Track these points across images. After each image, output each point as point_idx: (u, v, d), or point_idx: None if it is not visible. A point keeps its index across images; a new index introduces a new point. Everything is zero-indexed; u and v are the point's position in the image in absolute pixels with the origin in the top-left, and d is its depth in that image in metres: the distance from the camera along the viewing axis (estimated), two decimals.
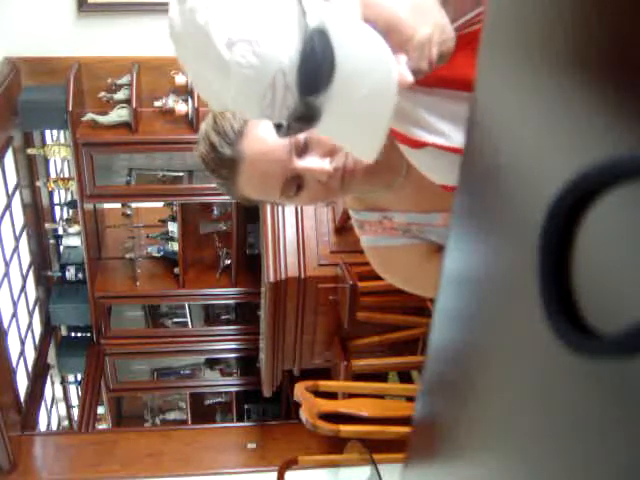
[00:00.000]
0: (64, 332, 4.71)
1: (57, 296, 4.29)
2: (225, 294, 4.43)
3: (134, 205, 4.37)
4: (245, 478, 3.63)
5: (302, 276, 3.16)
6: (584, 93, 0.34)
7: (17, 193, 3.85)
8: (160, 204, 4.32)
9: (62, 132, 3.94)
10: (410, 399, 3.01)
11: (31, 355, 4.20)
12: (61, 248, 4.40)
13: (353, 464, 3.00)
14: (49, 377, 4.55)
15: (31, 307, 4.20)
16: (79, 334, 4.60)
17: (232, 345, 4.69)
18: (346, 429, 2.63)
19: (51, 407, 4.74)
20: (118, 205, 4.38)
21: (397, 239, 1.15)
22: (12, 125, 3.60)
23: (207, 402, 5.48)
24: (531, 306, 0.35)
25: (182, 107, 3.68)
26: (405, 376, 4.19)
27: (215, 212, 4.45)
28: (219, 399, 5.47)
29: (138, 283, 4.27)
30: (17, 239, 3.91)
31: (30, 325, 4.17)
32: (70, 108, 3.45)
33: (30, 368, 4.14)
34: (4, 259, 3.72)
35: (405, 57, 0.77)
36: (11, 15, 3.51)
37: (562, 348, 0.31)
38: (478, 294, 0.50)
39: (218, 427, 4.67)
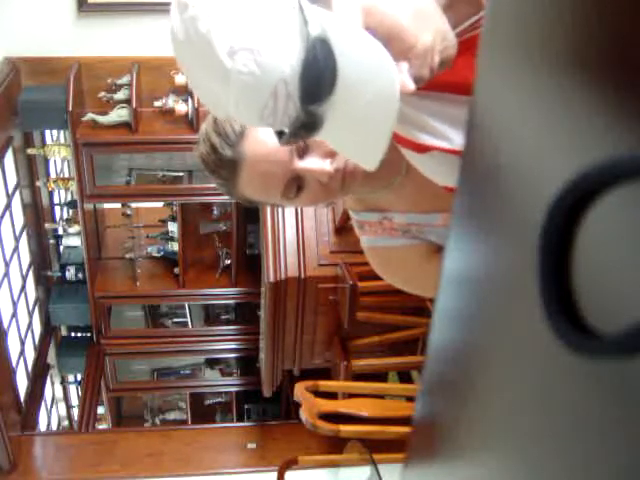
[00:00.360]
0: (64, 332, 4.71)
1: (57, 296, 4.29)
2: (225, 294, 4.43)
3: (134, 205, 4.38)
4: (245, 478, 3.63)
5: (302, 276, 3.16)
6: (584, 93, 0.34)
7: (17, 193, 3.86)
8: (160, 204, 4.33)
9: (62, 132, 3.94)
10: (410, 399, 3.01)
11: (31, 355, 4.20)
12: (61, 248, 4.40)
13: (353, 464, 3.00)
14: (49, 377, 4.55)
15: (31, 307, 4.20)
16: (79, 334, 4.61)
17: (232, 345, 4.69)
18: (346, 429, 2.63)
19: (51, 407, 4.74)
20: (118, 205, 4.39)
21: (397, 239, 1.15)
22: (12, 125, 3.61)
23: (207, 402, 5.48)
24: (531, 306, 0.35)
25: (182, 107, 3.68)
26: (405, 376, 4.19)
27: (215, 212, 4.45)
28: (219, 399, 5.47)
29: (138, 283, 4.28)
30: (17, 239, 3.91)
31: (30, 325, 4.17)
32: (70, 108, 3.46)
33: (30, 368, 4.14)
34: (4, 259, 3.72)
35: (407, 65, 0.77)
36: (11, 15, 3.51)
37: (562, 348, 0.31)
38: (478, 294, 0.50)
39: (218, 427, 4.67)
